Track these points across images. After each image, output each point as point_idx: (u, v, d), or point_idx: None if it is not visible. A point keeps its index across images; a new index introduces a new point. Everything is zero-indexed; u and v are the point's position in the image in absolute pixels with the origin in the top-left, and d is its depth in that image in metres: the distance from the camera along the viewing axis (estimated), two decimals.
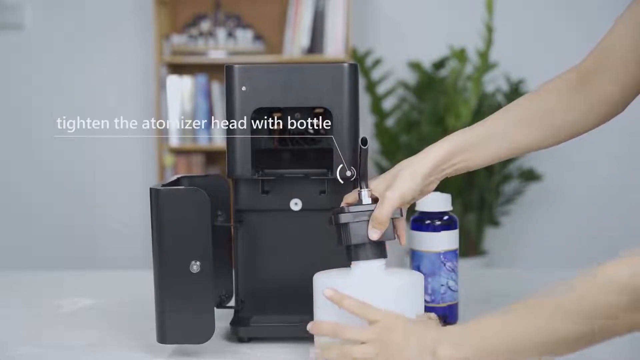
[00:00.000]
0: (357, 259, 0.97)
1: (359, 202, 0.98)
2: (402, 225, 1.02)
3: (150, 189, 0.98)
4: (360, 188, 0.99)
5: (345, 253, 0.99)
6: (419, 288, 0.99)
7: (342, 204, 1.01)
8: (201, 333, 0.98)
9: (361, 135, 1.04)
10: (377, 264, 0.98)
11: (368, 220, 0.97)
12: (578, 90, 1.05)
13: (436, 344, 0.85)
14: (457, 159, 1.02)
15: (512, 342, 0.82)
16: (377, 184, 1.01)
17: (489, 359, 0.84)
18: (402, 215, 0.99)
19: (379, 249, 0.97)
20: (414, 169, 0.99)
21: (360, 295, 0.92)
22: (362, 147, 0.97)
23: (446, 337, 0.86)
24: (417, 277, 0.99)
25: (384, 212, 0.96)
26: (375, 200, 0.98)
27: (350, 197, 1.01)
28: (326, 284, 0.95)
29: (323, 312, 0.96)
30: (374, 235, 0.96)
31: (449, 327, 0.90)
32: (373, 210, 0.97)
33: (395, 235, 1.00)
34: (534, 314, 0.82)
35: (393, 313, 0.91)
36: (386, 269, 0.99)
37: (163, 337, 0.99)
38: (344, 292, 0.92)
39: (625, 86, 1.02)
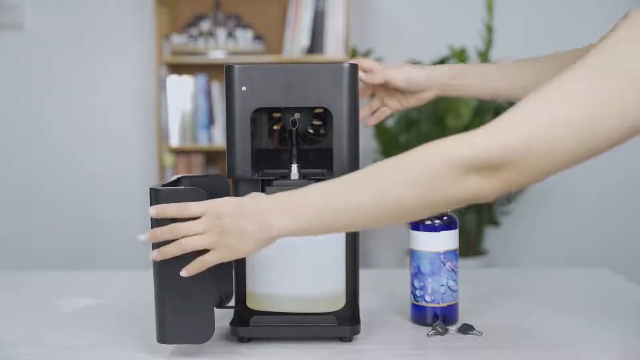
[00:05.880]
0: None
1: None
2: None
3: (150, 189, 0.98)
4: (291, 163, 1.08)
5: None
6: None
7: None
8: (201, 333, 0.98)
9: (360, 137, 1.03)
10: None
11: None
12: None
13: (268, 215, 0.88)
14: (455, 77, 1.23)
15: (348, 205, 0.86)
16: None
17: (322, 224, 0.87)
18: None
19: None
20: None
21: None
22: (292, 127, 1.06)
23: (276, 205, 0.89)
24: None
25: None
26: None
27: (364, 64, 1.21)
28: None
29: None
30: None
31: (278, 195, 0.90)
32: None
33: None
34: (373, 180, 0.86)
35: (217, 200, 0.92)
36: None
37: (163, 337, 0.99)
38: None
39: None
